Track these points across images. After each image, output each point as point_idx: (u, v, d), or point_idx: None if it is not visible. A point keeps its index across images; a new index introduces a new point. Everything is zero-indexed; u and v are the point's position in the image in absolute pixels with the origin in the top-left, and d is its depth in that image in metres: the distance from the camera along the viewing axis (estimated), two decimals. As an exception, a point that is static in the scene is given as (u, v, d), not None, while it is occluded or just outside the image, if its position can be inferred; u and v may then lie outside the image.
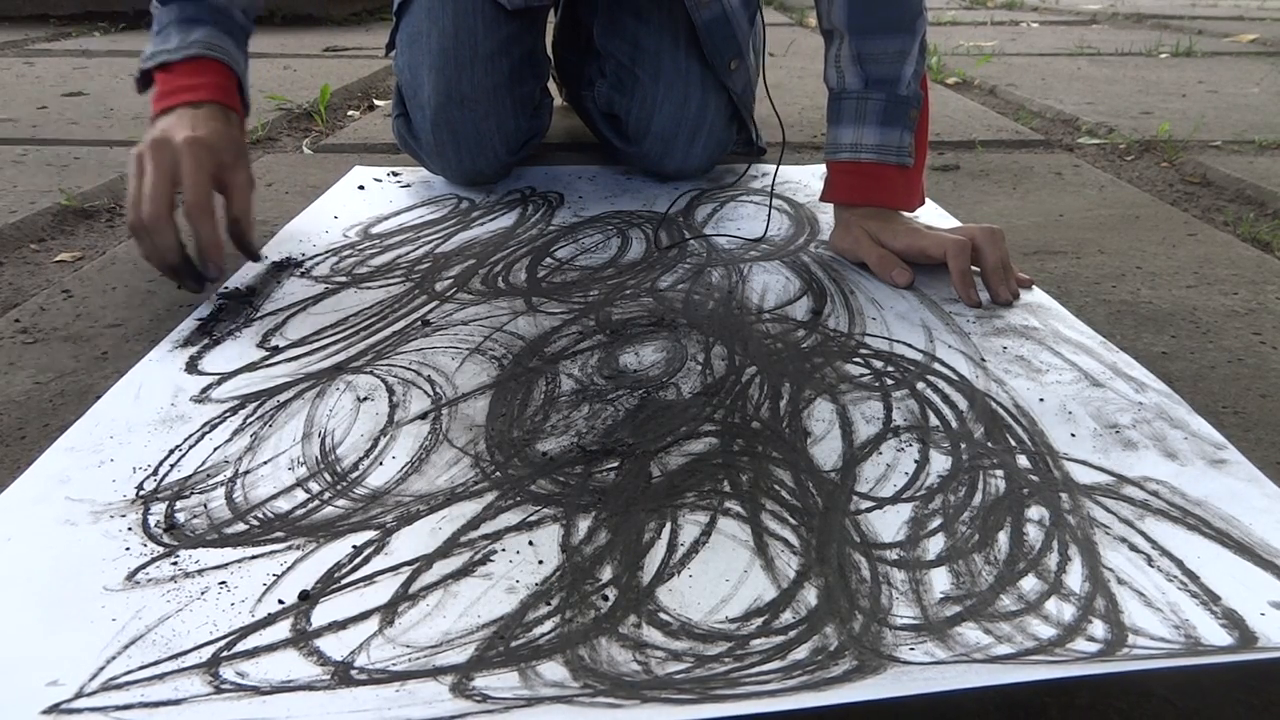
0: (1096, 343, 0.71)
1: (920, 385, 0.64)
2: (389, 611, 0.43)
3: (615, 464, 0.55)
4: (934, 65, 2.02)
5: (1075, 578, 0.45)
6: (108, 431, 0.58)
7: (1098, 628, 0.42)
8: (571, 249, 0.91)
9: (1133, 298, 0.81)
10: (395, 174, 1.17)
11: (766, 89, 1.11)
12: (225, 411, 0.61)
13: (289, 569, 0.46)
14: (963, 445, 0.57)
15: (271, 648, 0.41)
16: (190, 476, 0.54)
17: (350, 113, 1.61)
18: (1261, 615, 0.43)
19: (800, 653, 0.41)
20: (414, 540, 0.48)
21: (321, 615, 0.43)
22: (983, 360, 0.68)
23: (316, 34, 2.61)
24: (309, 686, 0.39)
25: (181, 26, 0.83)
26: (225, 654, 0.41)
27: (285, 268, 0.86)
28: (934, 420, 0.60)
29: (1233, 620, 0.42)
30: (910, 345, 0.70)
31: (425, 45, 1.02)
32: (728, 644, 0.41)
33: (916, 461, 0.55)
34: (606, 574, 0.46)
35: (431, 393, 0.63)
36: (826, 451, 0.56)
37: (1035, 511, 0.51)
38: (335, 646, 0.41)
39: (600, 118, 1.17)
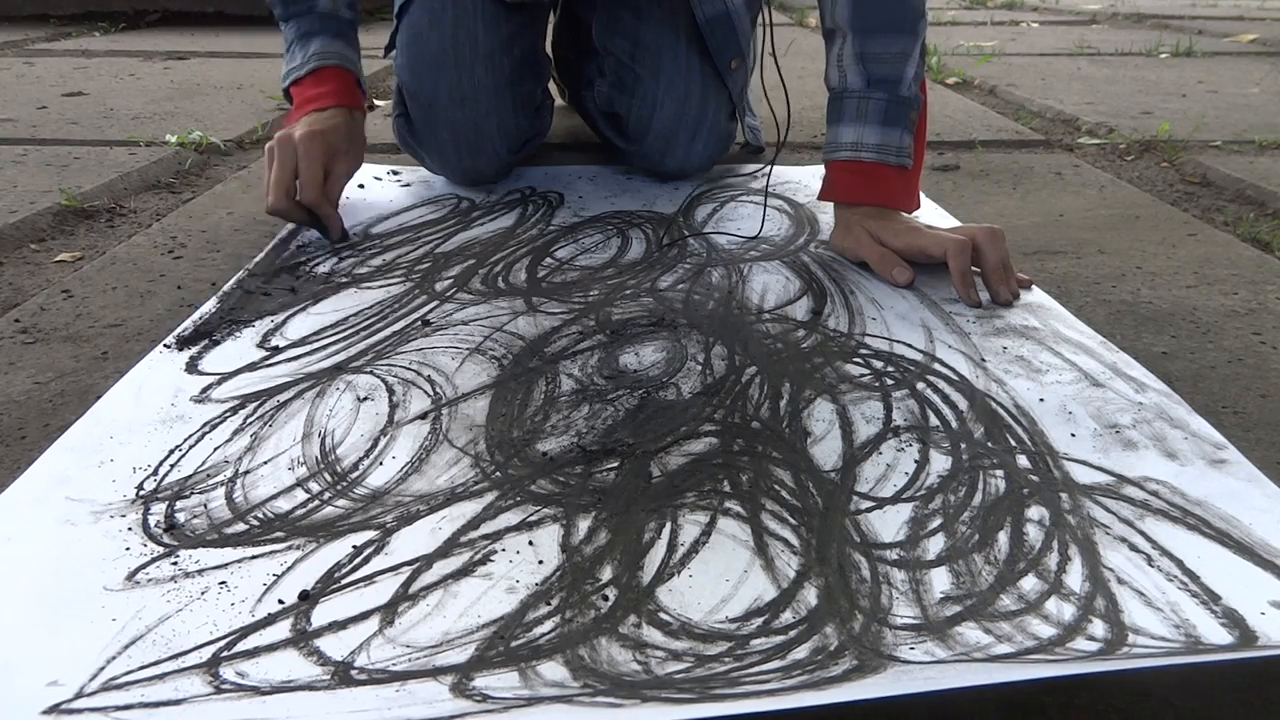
0: (1096, 343, 0.71)
1: (920, 385, 0.64)
2: (389, 611, 0.43)
3: (615, 464, 0.55)
4: (934, 65, 2.02)
5: (1075, 577, 0.45)
6: (108, 431, 0.58)
7: (1098, 627, 0.42)
8: (571, 249, 0.91)
9: (1133, 298, 0.81)
10: (395, 173, 1.17)
11: (769, 86, 1.11)
12: (225, 411, 0.61)
13: (289, 569, 0.46)
14: (963, 445, 0.57)
15: (271, 648, 0.41)
16: (190, 476, 0.54)
17: (350, 113, 1.61)
18: (1261, 615, 0.43)
19: (800, 652, 0.41)
20: (414, 540, 0.48)
21: (321, 615, 0.43)
22: (983, 360, 0.68)
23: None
24: (309, 686, 0.39)
25: (301, 42, 0.99)
26: (225, 654, 0.41)
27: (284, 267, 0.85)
28: (934, 420, 0.60)
29: (1233, 620, 0.42)
30: (910, 345, 0.70)
31: (425, 45, 1.02)
32: (728, 644, 0.41)
33: (916, 461, 0.55)
34: (606, 574, 0.46)
35: (431, 393, 0.63)
36: (826, 451, 0.56)
37: (1035, 511, 0.51)
38: (335, 646, 0.41)
39: (601, 117, 1.17)
